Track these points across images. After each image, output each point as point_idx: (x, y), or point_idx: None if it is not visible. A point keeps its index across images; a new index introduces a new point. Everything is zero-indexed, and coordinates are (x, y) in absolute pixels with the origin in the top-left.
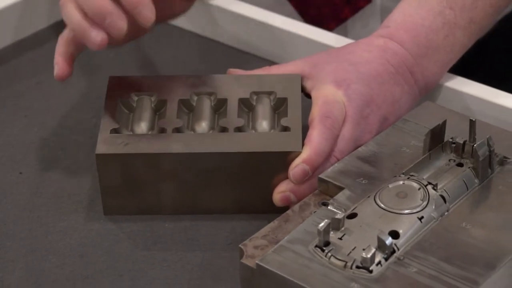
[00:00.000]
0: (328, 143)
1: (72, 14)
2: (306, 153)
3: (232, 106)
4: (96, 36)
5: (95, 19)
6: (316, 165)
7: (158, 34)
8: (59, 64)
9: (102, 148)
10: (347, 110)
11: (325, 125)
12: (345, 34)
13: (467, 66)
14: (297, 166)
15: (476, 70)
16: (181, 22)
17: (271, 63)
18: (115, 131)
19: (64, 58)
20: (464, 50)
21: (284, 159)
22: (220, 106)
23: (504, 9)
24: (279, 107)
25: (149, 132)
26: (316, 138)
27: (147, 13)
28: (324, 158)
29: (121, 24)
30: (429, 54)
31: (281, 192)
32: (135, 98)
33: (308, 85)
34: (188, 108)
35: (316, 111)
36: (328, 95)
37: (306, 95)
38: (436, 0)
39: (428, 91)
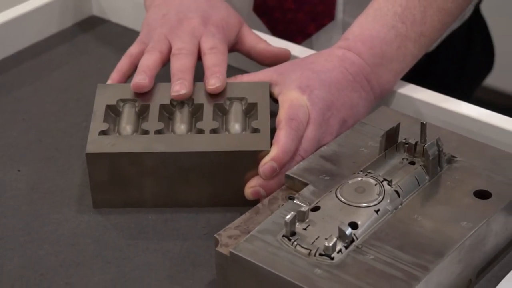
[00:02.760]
0: (294, 143)
1: (147, 59)
2: (274, 152)
3: (208, 110)
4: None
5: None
6: (283, 163)
7: None
8: (114, 80)
9: (91, 148)
10: (311, 113)
11: (291, 126)
12: (310, 47)
13: (420, 75)
14: (266, 164)
15: (428, 78)
16: None
17: (243, 71)
18: (103, 133)
19: (120, 77)
20: (414, 60)
21: (254, 157)
22: (197, 111)
23: (451, 24)
24: (250, 111)
25: (134, 134)
26: (283, 139)
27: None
28: (290, 156)
29: (184, 88)
30: (384, 63)
31: (252, 187)
32: (121, 104)
33: (275, 91)
34: (168, 113)
35: (282, 114)
36: (293, 99)
37: (274, 100)
38: (390, 15)
39: (383, 97)
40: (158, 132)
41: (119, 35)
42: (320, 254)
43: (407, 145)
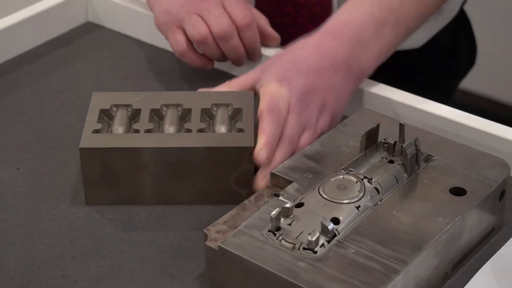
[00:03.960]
0: (277, 129)
1: (215, 51)
2: (262, 139)
3: (196, 114)
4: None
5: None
6: (273, 147)
7: (135, 53)
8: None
9: (85, 143)
10: (290, 102)
11: (272, 115)
12: None
13: (408, 72)
14: (260, 150)
15: (416, 74)
16: (159, 41)
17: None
18: (96, 131)
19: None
20: (392, 47)
21: (239, 154)
22: (185, 115)
23: (429, 16)
24: (236, 116)
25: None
26: (266, 127)
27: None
28: (276, 141)
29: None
30: (361, 46)
31: (264, 177)
32: (114, 109)
33: (257, 86)
34: (158, 117)
35: (263, 105)
36: (272, 91)
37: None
38: (368, 3)
39: (363, 79)
40: (149, 131)
41: (113, 40)
42: (304, 248)
43: (386, 145)
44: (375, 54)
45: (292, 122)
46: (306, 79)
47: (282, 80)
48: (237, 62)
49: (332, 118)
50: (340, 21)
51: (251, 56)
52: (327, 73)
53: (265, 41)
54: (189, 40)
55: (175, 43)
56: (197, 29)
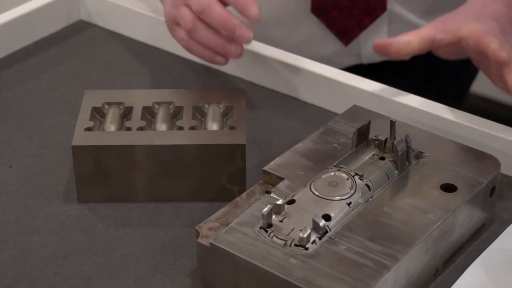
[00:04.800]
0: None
1: (207, 35)
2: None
3: (188, 112)
4: (235, 49)
5: (228, 33)
6: None
7: (127, 51)
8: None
9: (77, 141)
10: (494, 34)
11: (496, 37)
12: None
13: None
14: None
15: (427, 85)
16: (151, 40)
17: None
18: (88, 129)
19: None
20: None
21: (230, 151)
22: (177, 113)
23: None
24: (227, 114)
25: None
26: (499, 47)
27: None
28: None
29: (248, 33)
30: None
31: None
32: (106, 106)
33: (448, 35)
34: (150, 115)
35: (478, 36)
36: (476, 27)
37: (444, 47)
38: None
39: None
40: (141, 129)
41: (106, 38)
42: (295, 245)
43: (377, 142)
44: None
45: (507, 45)
46: (496, 22)
47: (477, 20)
48: (240, 36)
49: None
50: None
51: (247, 14)
52: (506, 19)
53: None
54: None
55: (179, 40)
56: (184, 19)
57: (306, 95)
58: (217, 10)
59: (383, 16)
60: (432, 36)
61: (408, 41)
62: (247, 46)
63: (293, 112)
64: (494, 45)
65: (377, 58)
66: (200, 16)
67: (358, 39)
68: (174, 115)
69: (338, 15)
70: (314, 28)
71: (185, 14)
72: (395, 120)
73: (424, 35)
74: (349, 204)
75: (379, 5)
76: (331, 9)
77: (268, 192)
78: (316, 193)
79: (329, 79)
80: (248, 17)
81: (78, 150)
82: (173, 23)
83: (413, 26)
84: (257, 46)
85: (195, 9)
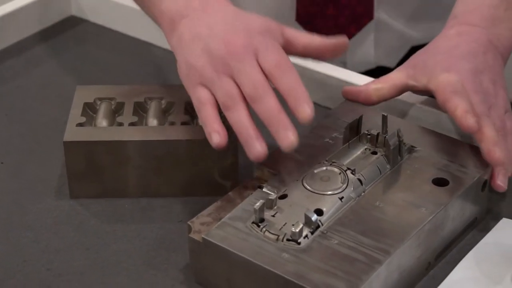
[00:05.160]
0: (470, 104)
1: (242, 119)
2: (461, 110)
3: (179, 107)
4: (259, 148)
5: (271, 130)
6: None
7: (119, 47)
8: (221, 133)
9: (69, 136)
10: (465, 84)
11: (459, 95)
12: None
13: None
14: (467, 118)
15: None
16: (143, 35)
17: None
18: (80, 125)
19: (222, 125)
20: None
21: None
22: (169, 108)
23: None
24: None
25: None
26: (460, 103)
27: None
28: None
29: (292, 140)
30: (496, 24)
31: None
32: (98, 102)
33: (419, 82)
34: (142, 110)
35: (445, 93)
36: (444, 80)
37: (418, 91)
38: None
39: (507, 56)
40: (133, 124)
41: (97, 34)
42: (288, 240)
43: (369, 136)
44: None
45: (476, 100)
46: (468, 62)
47: (448, 70)
48: (282, 140)
49: (506, 93)
50: (468, 8)
51: (297, 114)
52: (480, 54)
53: (338, 51)
54: (214, 100)
55: (197, 98)
56: (225, 92)
57: None
58: (271, 102)
59: (370, 24)
60: (403, 83)
61: (377, 88)
62: None
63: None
64: (459, 111)
65: (363, 68)
66: (249, 101)
67: None
68: (166, 110)
69: (323, 24)
70: None
71: (228, 89)
72: (387, 115)
73: (395, 82)
74: (341, 198)
75: (366, 13)
76: (316, 18)
77: (261, 187)
78: (308, 187)
79: (320, 73)
80: (298, 118)
81: (70, 146)
82: (199, 81)
83: (399, 34)
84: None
85: (247, 92)
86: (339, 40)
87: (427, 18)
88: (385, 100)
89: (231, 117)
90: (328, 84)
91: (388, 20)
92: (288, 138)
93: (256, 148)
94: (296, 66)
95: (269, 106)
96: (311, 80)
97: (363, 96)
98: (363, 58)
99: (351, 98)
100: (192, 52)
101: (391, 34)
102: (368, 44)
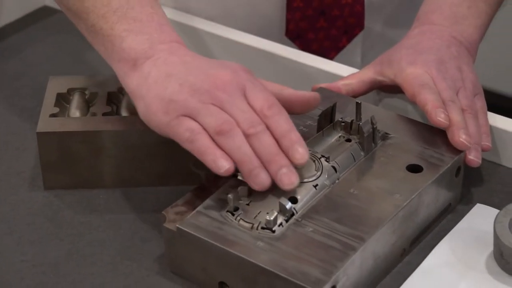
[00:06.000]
0: (438, 95)
1: (242, 143)
2: (428, 104)
3: None
4: (265, 177)
5: (269, 170)
6: (443, 107)
7: None
8: (228, 157)
9: (42, 127)
10: (431, 75)
11: (426, 87)
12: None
13: None
14: (436, 112)
15: None
16: None
17: None
18: (53, 115)
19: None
20: (489, 17)
21: None
22: None
23: None
24: None
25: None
26: (427, 96)
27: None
28: (442, 103)
29: (292, 179)
30: (459, 21)
31: (461, 135)
32: (71, 92)
33: (386, 77)
34: (115, 100)
35: (412, 87)
36: (411, 73)
37: (383, 87)
38: None
39: (473, 52)
40: (106, 114)
41: (70, 24)
42: (262, 228)
43: (343, 124)
44: (476, 26)
45: (443, 87)
46: (433, 55)
47: (413, 63)
48: (282, 180)
49: (476, 77)
50: (430, 9)
51: (291, 157)
52: (444, 48)
53: (308, 107)
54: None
55: (187, 129)
56: (219, 117)
57: (272, 78)
58: (270, 140)
59: (359, 34)
60: (371, 79)
61: (346, 83)
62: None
63: None
64: (429, 107)
65: None
66: (247, 138)
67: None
68: None
69: (314, 37)
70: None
71: (221, 115)
72: (360, 102)
73: (362, 78)
74: (315, 186)
75: (357, 24)
76: (307, 32)
77: (235, 176)
78: None
79: (294, 61)
80: (293, 160)
81: (43, 137)
82: (181, 113)
83: (386, 43)
84: (223, 32)
85: (241, 126)
86: (311, 95)
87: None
88: (355, 95)
89: (228, 143)
90: (302, 72)
91: (377, 29)
92: (290, 179)
93: (262, 177)
94: (268, 53)
95: (267, 144)
96: (283, 68)
97: (333, 90)
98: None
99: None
100: (167, 88)
101: (379, 43)
102: (356, 54)
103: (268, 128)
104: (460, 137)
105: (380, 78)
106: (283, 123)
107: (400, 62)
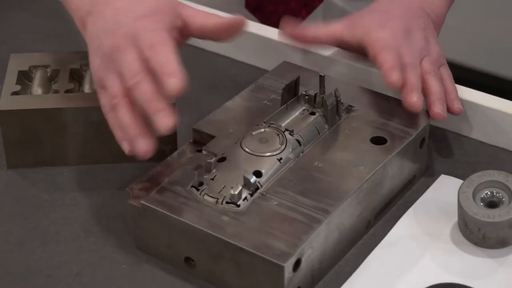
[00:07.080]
0: (397, 58)
1: (126, 116)
2: (385, 65)
3: None
4: (142, 146)
5: (149, 114)
6: (399, 69)
7: (55, 14)
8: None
9: (3, 105)
10: (397, 40)
11: (388, 49)
12: None
13: None
14: (389, 72)
15: None
16: None
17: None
18: (15, 93)
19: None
20: None
21: None
22: None
23: None
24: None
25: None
26: (386, 56)
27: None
28: (399, 66)
29: (167, 123)
30: None
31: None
32: (33, 70)
33: (354, 38)
34: (78, 77)
35: (376, 48)
36: (377, 36)
37: (349, 47)
38: None
39: (440, 25)
40: (69, 91)
41: (33, 1)
42: (227, 202)
43: (307, 97)
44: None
45: (406, 52)
46: (401, 21)
47: (381, 28)
48: (158, 122)
49: (441, 49)
50: None
51: (162, 80)
52: (412, 18)
53: (234, 32)
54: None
55: (102, 106)
56: (111, 90)
57: (236, 52)
58: (147, 86)
59: (319, 7)
60: (338, 35)
61: (314, 35)
62: None
63: (223, 70)
64: (386, 67)
65: None
66: (130, 90)
67: None
68: None
69: (274, 9)
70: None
71: (113, 86)
72: (324, 75)
73: (332, 32)
74: (280, 159)
75: None
76: (266, 3)
77: (199, 151)
78: (247, 150)
79: (257, 36)
80: (165, 91)
81: (4, 115)
82: (99, 85)
83: (348, 15)
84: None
85: (128, 84)
86: (235, 18)
87: None
88: (318, 44)
89: (116, 120)
90: (266, 46)
91: (337, 2)
92: (164, 122)
93: (141, 146)
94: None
95: (144, 91)
96: (247, 42)
97: (299, 31)
98: None
99: (288, 30)
100: (92, 52)
101: (339, 17)
102: None
103: (152, 69)
104: (411, 98)
105: (347, 37)
106: (160, 57)
107: (369, 25)
